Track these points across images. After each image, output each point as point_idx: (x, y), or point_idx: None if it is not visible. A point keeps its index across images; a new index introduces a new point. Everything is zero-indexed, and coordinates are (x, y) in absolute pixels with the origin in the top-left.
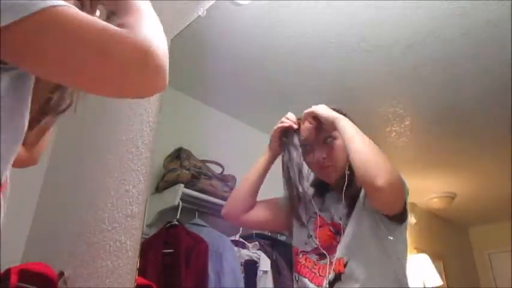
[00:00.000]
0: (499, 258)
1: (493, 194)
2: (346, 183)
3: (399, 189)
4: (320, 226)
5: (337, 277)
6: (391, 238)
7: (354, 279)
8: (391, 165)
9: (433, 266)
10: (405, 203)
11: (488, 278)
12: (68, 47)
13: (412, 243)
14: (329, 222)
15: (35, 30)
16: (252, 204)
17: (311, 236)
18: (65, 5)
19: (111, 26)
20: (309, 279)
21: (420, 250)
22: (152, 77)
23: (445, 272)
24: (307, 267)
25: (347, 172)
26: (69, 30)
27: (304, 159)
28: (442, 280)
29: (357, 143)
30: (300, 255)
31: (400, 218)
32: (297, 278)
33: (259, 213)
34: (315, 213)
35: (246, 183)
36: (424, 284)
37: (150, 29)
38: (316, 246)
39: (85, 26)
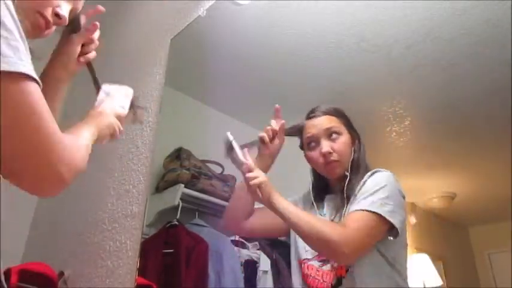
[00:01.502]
0: (499, 258)
1: (493, 194)
2: (346, 183)
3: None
4: None
5: (339, 281)
6: (391, 238)
7: (355, 283)
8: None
9: (433, 266)
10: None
11: (488, 278)
12: (12, 122)
13: (412, 243)
14: None
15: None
16: (251, 211)
17: None
18: (37, 82)
19: (57, 134)
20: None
21: (420, 250)
22: (55, 190)
23: (445, 272)
24: (311, 276)
25: (347, 173)
26: (23, 110)
27: (309, 156)
28: (442, 280)
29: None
30: (303, 265)
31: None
32: None
33: (258, 221)
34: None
35: (237, 200)
36: (424, 284)
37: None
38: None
39: (38, 118)
